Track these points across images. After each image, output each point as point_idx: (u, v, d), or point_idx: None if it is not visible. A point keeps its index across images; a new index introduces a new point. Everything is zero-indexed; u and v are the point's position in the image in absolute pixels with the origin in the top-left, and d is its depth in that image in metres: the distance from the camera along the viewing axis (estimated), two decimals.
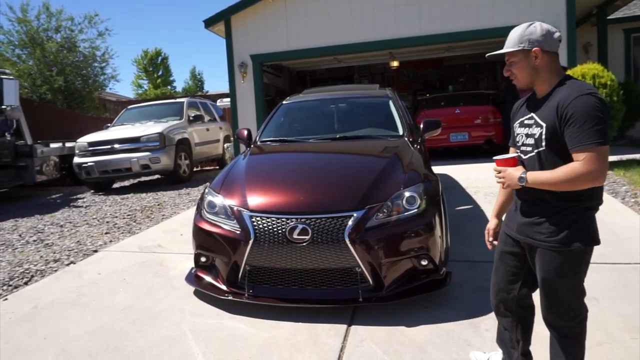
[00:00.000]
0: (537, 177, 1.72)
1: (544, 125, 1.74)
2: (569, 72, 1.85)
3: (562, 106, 1.67)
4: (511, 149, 2.05)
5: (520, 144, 1.88)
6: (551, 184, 1.68)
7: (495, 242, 2.11)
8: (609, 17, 10.53)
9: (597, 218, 1.78)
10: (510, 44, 1.81)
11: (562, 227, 1.72)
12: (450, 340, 2.53)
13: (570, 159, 1.67)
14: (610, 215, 4.49)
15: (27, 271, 4.14)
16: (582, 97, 1.64)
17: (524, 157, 1.85)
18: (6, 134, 8.30)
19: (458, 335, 2.57)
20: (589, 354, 1.89)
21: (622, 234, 4.01)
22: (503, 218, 2.11)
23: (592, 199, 1.73)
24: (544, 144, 1.74)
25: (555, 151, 1.72)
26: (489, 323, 2.62)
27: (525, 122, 1.86)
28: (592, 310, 1.88)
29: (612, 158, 6.91)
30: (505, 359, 2.09)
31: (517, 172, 1.77)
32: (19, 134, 8.84)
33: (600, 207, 1.78)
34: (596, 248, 1.77)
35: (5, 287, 3.79)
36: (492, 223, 2.14)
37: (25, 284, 3.87)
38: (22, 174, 8.57)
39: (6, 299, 3.54)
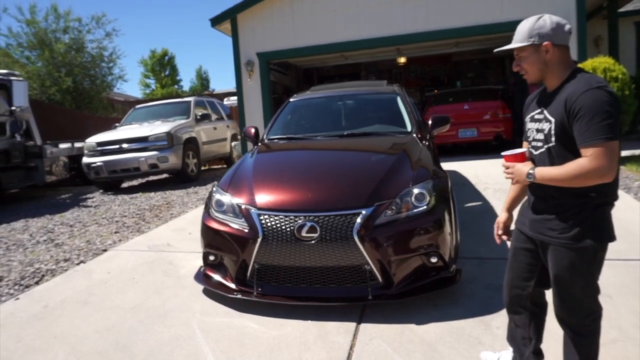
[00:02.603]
0: (545, 173, 1.69)
1: (552, 120, 1.71)
2: (579, 65, 1.80)
3: (570, 100, 1.63)
4: (524, 144, 2.01)
5: (531, 139, 1.85)
6: (559, 180, 1.65)
7: (505, 237, 2.08)
8: (619, 10, 10.39)
9: None
10: (519, 39, 1.76)
11: (573, 224, 1.69)
12: (461, 338, 2.51)
13: (578, 155, 1.63)
14: (623, 211, 4.43)
15: (38, 271, 4.18)
16: (591, 90, 1.60)
17: (534, 152, 1.82)
18: (16, 135, 8.37)
19: (469, 333, 2.54)
20: (603, 352, 1.86)
21: (635, 230, 3.94)
22: (514, 212, 2.08)
23: (604, 195, 1.69)
24: (553, 139, 1.71)
25: (565, 146, 1.68)
26: (500, 321, 2.59)
27: (536, 117, 1.83)
28: (606, 307, 1.84)
29: (624, 153, 6.81)
30: (516, 357, 2.06)
31: (525, 167, 1.74)
32: (28, 134, 8.92)
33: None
34: (609, 244, 1.73)
35: (16, 287, 3.82)
36: (502, 216, 2.10)
37: (36, 283, 3.90)
38: (32, 174, 8.65)
39: (18, 299, 3.57)
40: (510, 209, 2.09)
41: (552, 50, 1.72)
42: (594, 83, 1.62)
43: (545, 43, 1.71)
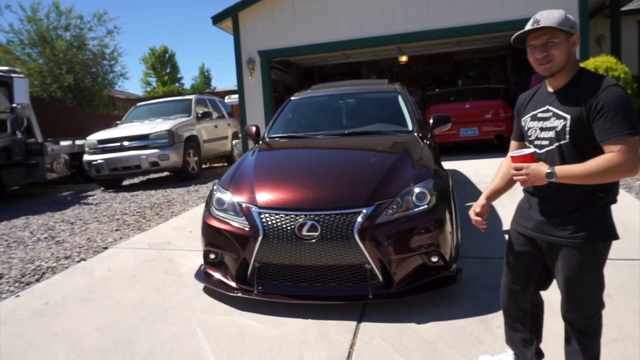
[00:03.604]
0: (568, 170, 1.63)
1: (568, 117, 1.68)
2: (581, 64, 1.79)
3: (591, 97, 1.62)
4: (513, 144, 1.99)
5: (533, 138, 1.82)
6: (584, 177, 1.61)
7: (479, 219, 1.96)
8: (622, 9, 10.35)
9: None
10: (556, 22, 1.67)
11: (586, 224, 1.68)
12: (461, 337, 2.51)
13: (593, 152, 1.62)
14: (624, 210, 4.42)
15: (39, 268, 4.18)
16: (611, 87, 1.61)
17: (539, 151, 1.78)
18: (17, 132, 8.38)
19: (469, 332, 2.55)
20: (604, 351, 1.86)
21: (636, 229, 3.94)
22: (495, 202, 2.02)
23: (611, 192, 1.69)
24: (567, 136, 1.68)
25: (578, 144, 1.67)
26: (500, 320, 2.57)
27: (540, 115, 1.80)
28: (607, 307, 1.84)
29: None
30: (518, 359, 2.05)
31: (542, 167, 1.66)
32: (29, 132, 8.94)
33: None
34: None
35: (17, 284, 3.83)
36: (479, 201, 1.98)
37: (37, 280, 3.91)
38: (33, 171, 8.66)
39: (18, 296, 3.57)
40: (490, 198, 1.99)
41: (577, 44, 1.72)
42: (610, 81, 1.64)
43: (576, 34, 1.71)
